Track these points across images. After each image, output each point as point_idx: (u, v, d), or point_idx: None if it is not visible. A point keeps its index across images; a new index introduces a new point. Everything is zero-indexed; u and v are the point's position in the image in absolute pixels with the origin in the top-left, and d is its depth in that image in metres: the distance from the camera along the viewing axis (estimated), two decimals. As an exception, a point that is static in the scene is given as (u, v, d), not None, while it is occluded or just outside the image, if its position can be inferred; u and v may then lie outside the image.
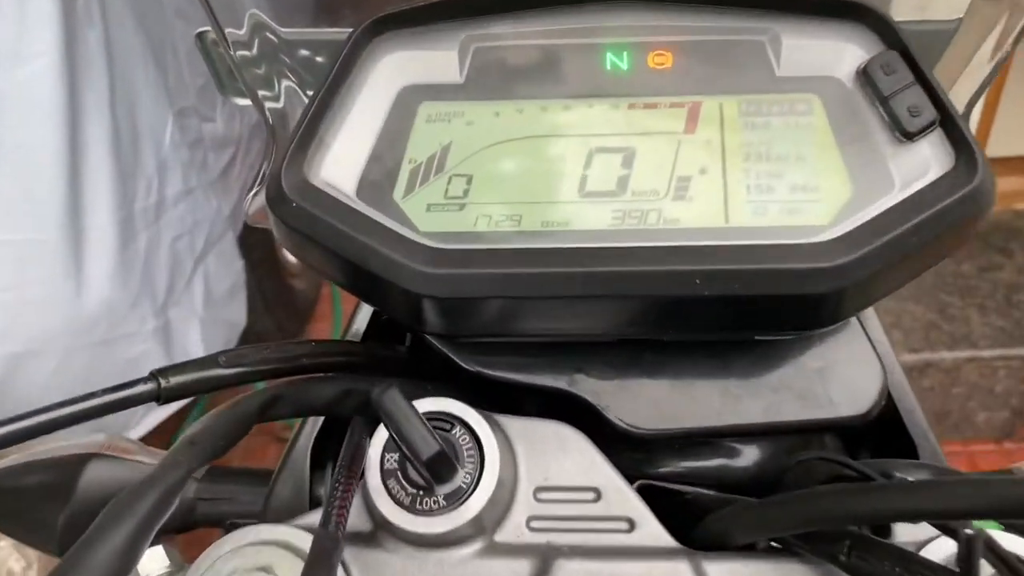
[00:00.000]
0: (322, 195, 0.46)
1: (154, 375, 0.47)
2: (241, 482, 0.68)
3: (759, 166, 0.48)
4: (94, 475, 0.68)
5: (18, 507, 0.66)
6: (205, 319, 1.84)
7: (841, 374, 0.52)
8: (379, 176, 0.48)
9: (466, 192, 0.48)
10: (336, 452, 0.58)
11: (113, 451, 0.66)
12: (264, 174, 0.58)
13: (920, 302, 2.24)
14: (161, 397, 0.47)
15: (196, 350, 1.78)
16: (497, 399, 0.56)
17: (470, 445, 0.48)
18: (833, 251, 0.44)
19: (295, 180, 0.46)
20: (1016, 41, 0.52)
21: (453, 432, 0.48)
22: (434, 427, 0.45)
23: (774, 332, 0.49)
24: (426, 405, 0.49)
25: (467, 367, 0.54)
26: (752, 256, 0.44)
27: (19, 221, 1.52)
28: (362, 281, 0.46)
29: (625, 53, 0.51)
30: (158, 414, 1.81)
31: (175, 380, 0.47)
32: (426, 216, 0.48)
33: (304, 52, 0.59)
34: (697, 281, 0.44)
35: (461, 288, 0.44)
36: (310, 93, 0.59)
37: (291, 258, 2.06)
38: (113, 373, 1.69)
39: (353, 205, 0.47)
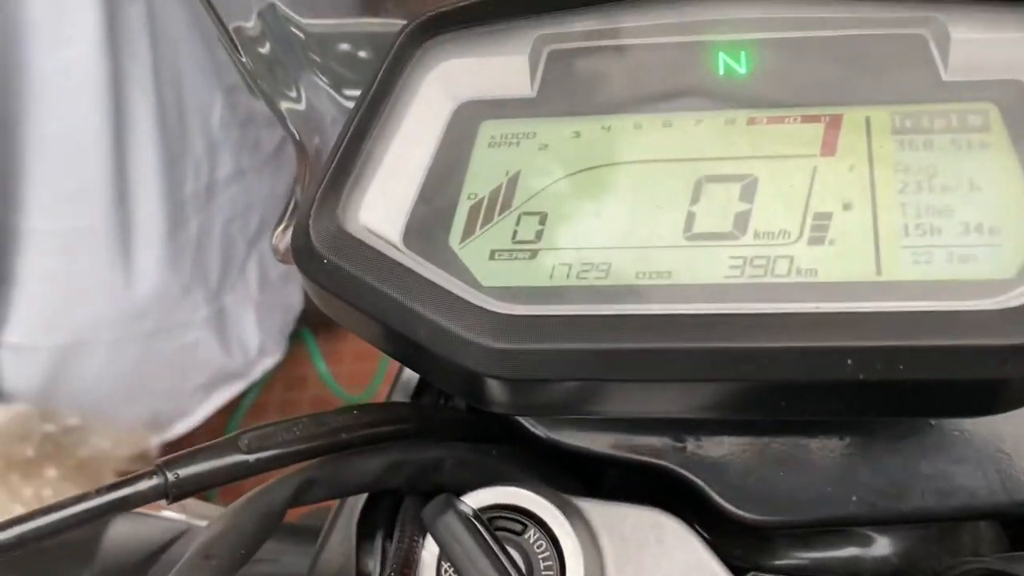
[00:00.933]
0: (361, 247, 0.37)
1: (160, 468, 0.38)
2: (286, 540, 0.60)
3: (920, 199, 0.37)
4: (118, 533, 0.61)
5: (41, 567, 0.60)
6: (260, 303, 1.78)
7: (1016, 449, 0.41)
8: (431, 217, 0.39)
9: (539, 235, 0.38)
10: (388, 519, 0.49)
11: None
12: (293, 204, 0.48)
13: None
14: (170, 495, 0.38)
15: (252, 336, 1.73)
16: (575, 471, 0.47)
17: (546, 552, 0.39)
18: (1012, 319, 0.33)
19: (327, 229, 0.37)
20: None
21: (525, 536, 0.39)
22: (501, 527, 0.39)
23: (938, 416, 0.38)
24: (490, 497, 0.41)
25: (540, 435, 0.44)
26: (916, 327, 0.34)
27: (65, 210, 1.47)
28: (413, 355, 0.37)
29: (743, 53, 0.40)
30: (213, 403, 1.76)
31: (186, 473, 0.38)
32: (489, 266, 0.38)
33: (340, 46, 0.49)
34: (848, 363, 0.33)
35: (534, 369, 0.35)
36: (348, 96, 0.49)
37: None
38: (166, 364, 1.65)
39: (399, 257, 0.37)
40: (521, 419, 0.44)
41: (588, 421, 0.44)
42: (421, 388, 0.54)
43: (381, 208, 0.39)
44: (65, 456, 1.51)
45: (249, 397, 1.97)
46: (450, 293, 0.37)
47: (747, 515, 0.43)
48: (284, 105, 0.46)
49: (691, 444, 0.45)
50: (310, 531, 0.57)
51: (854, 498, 0.43)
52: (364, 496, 0.49)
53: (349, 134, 0.39)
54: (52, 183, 1.47)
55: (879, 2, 0.39)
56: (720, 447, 0.44)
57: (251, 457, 0.40)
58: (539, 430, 0.46)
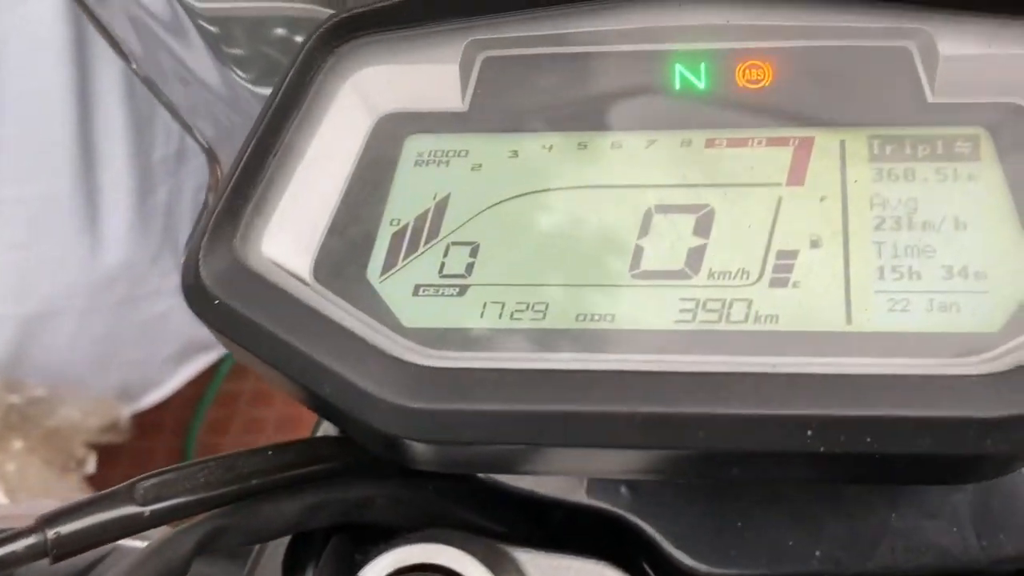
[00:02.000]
0: (260, 284, 0.32)
1: (41, 524, 0.33)
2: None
3: (898, 238, 0.34)
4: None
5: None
6: (233, 272, 1.72)
7: (995, 503, 0.38)
8: (347, 247, 0.34)
9: (470, 268, 0.34)
10: (319, 555, 0.45)
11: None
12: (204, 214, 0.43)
13: None
14: (51, 554, 0.33)
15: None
16: (519, 509, 0.43)
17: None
18: (1011, 389, 0.29)
19: (221, 263, 0.32)
20: None
21: (450, 597, 0.35)
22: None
23: (908, 484, 0.34)
24: (412, 555, 0.38)
25: (481, 477, 0.41)
26: (888, 393, 0.30)
27: (29, 175, 1.42)
28: (323, 409, 0.33)
29: (703, 65, 0.35)
30: (185, 373, 1.72)
31: (69, 530, 0.34)
32: (413, 304, 0.34)
33: (257, 32, 0.44)
34: (809, 434, 0.29)
35: (459, 432, 0.31)
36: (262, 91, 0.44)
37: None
38: (137, 333, 1.61)
39: (306, 296, 0.33)
40: None
41: None
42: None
43: (288, 237, 0.34)
44: (32, 427, 1.48)
45: (226, 364, 1.93)
46: (363, 341, 0.32)
47: (700, 567, 0.39)
48: (185, 104, 0.41)
49: (642, 490, 0.41)
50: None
51: (818, 553, 0.40)
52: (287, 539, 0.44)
53: (250, 150, 0.34)
54: (15, 148, 1.41)
55: (858, 10, 0.34)
56: (673, 494, 0.40)
57: (146, 509, 0.36)
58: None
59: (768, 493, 0.41)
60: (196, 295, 0.33)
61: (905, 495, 0.39)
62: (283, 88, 0.34)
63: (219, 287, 0.33)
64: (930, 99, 0.35)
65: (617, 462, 0.33)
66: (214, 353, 1.76)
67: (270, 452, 0.40)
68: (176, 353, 1.69)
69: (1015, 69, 0.34)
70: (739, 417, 0.30)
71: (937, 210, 0.34)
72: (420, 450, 0.33)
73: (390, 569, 0.36)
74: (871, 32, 0.35)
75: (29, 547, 0.34)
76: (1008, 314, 0.32)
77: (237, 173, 0.34)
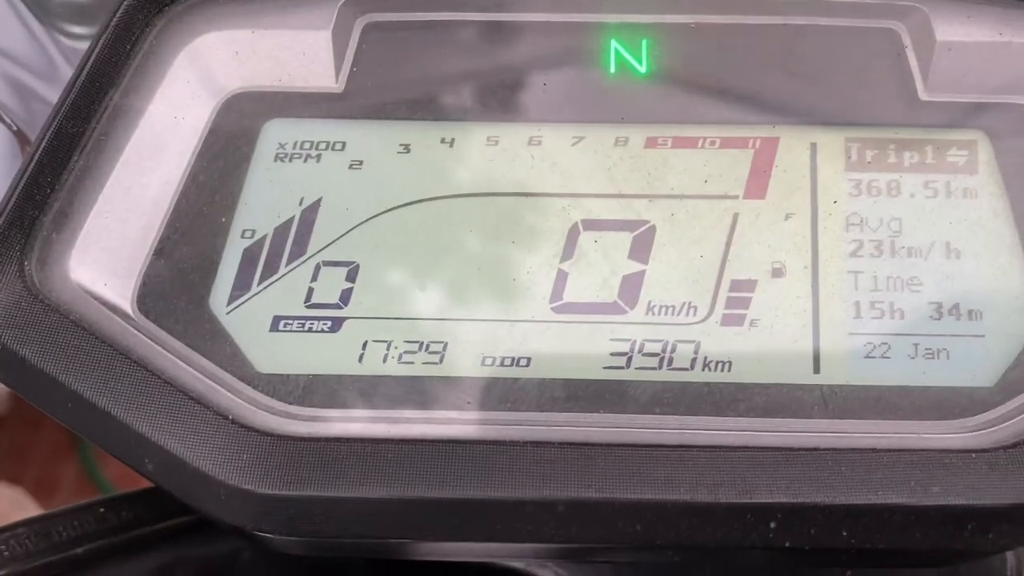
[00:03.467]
0: (60, 321, 0.24)
1: None
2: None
3: (878, 267, 0.27)
4: None
5: None
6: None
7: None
8: (182, 268, 0.26)
9: (347, 296, 0.26)
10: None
11: None
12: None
13: None
14: None
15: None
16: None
17: None
18: (1012, 470, 0.23)
19: (9, 292, 0.24)
20: None
21: None
22: None
23: (885, 569, 0.29)
24: None
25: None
26: (868, 473, 0.24)
27: None
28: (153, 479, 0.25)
29: (644, 42, 0.28)
30: None
31: None
32: (270, 343, 0.26)
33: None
34: (772, 526, 0.23)
35: (323, 527, 0.24)
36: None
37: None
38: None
39: (125, 335, 0.25)
40: None
41: None
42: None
43: (102, 256, 0.26)
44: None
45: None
46: (200, 397, 0.25)
47: None
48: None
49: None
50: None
51: None
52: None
53: (48, 140, 0.25)
54: None
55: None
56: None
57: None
58: None
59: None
60: None
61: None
62: (93, 58, 0.26)
63: (3, 325, 0.24)
64: (922, 95, 0.28)
65: (524, 552, 0.27)
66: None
67: (101, 509, 0.33)
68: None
69: (927, 61, 0.28)
70: (684, 506, 0.24)
71: (925, 233, 0.28)
72: (278, 542, 0.25)
73: None
74: (854, 9, 0.28)
75: None
76: (1006, 363, 0.26)
77: (30, 170, 0.25)
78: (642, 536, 0.24)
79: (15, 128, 0.33)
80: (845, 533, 0.24)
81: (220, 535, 0.35)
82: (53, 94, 0.34)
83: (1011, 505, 0.24)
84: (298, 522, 0.24)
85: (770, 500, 0.24)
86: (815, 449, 0.25)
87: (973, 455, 0.25)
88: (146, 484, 0.34)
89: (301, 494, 0.24)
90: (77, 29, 0.37)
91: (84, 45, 0.36)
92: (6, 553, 0.30)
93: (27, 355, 0.24)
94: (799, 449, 0.25)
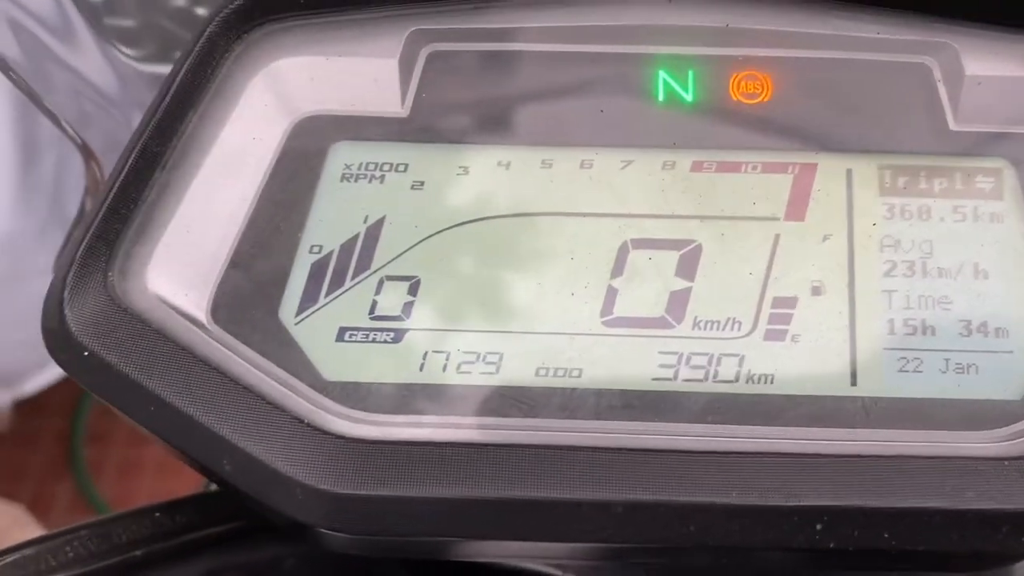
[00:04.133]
0: (144, 329, 0.25)
1: None
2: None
3: (911, 286, 0.29)
4: None
5: None
6: (125, 247, 1.61)
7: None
8: (254, 281, 0.28)
9: (408, 309, 0.28)
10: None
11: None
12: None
13: None
14: None
15: (115, 285, 1.56)
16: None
17: None
18: None
19: (94, 302, 0.25)
20: None
21: None
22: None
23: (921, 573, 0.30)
24: None
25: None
26: (909, 480, 0.25)
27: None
28: (222, 485, 0.26)
29: (691, 74, 0.29)
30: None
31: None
32: (336, 352, 0.28)
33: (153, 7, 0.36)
34: (818, 528, 0.24)
35: (391, 524, 0.25)
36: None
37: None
38: (19, 313, 1.47)
39: (201, 343, 0.26)
40: None
41: None
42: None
43: (179, 269, 0.28)
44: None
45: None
46: (272, 404, 0.26)
47: None
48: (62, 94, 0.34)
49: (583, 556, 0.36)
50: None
51: None
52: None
53: (132, 158, 0.27)
54: None
55: (874, 19, 0.29)
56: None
57: (-4, 597, 0.30)
58: None
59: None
60: (59, 343, 0.26)
61: None
62: (177, 81, 0.28)
63: (89, 333, 0.26)
64: (952, 125, 0.30)
65: (577, 553, 0.28)
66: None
67: (157, 514, 0.34)
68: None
69: (956, 94, 0.30)
70: (738, 509, 0.25)
71: (955, 255, 0.29)
72: (343, 541, 0.27)
73: None
74: (888, 44, 0.30)
75: None
76: (1030, 381, 0.28)
77: (116, 187, 0.27)
78: (695, 537, 0.26)
79: (80, 142, 0.35)
80: (886, 535, 0.25)
81: (265, 541, 0.37)
82: (116, 111, 0.36)
83: None
84: (370, 521, 0.26)
85: (816, 503, 0.25)
86: (857, 456, 0.26)
87: (1005, 463, 0.26)
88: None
89: (374, 494, 0.25)
90: (128, 50, 0.39)
91: (139, 64, 0.38)
92: (71, 554, 0.32)
93: (112, 361, 0.26)
94: (842, 456, 0.26)
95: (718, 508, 0.26)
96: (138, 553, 0.33)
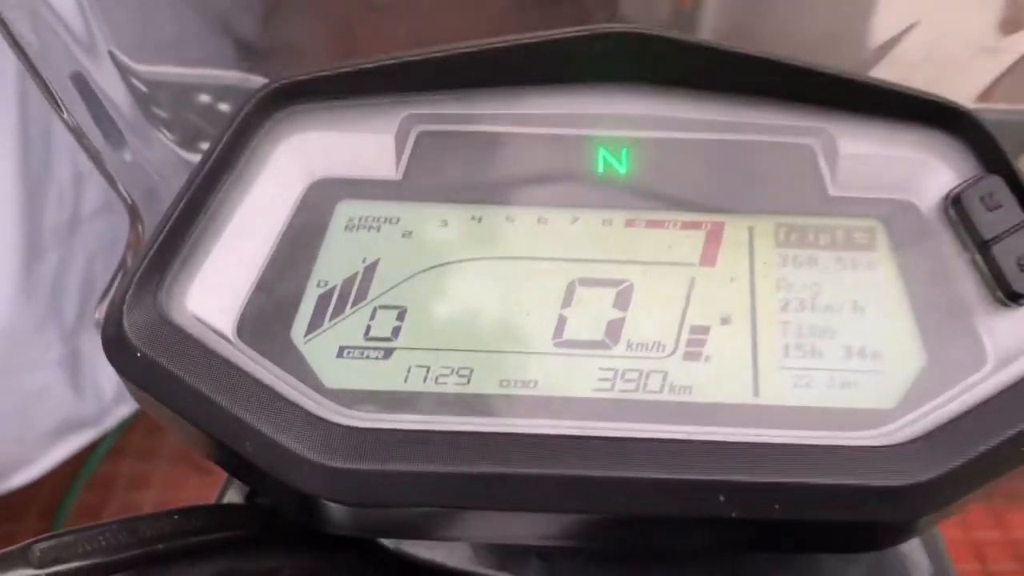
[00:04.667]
0: (184, 339, 0.33)
1: None
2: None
3: (802, 318, 0.36)
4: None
5: None
6: (120, 347, 1.65)
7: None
8: (272, 306, 0.35)
9: (396, 332, 0.35)
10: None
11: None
12: (119, 274, 0.43)
13: None
14: None
15: (107, 381, 1.61)
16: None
17: None
18: (906, 460, 0.32)
19: (145, 316, 0.32)
20: None
21: None
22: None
23: (809, 553, 0.36)
24: None
25: (390, 548, 0.40)
26: (794, 461, 0.32)
27: (-93, 235, 1.34)
28: (240, 468, 0.33)
29: (624, 151, 0.38)
30: (59, 452, 1.63)
31: (-45, 593, 0.33)
32: (337, 365, 0.34)
33: (189, 98, 0.45)
34: (721, 499, 0.30)
35: (380, 495, 0.31)
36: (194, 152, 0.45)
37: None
38: (11, 407, 1.51)
39: (229, 353, 0.33)
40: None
41: None
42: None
43: (213, 294, 0.35)
44: None
45: (106, 443, 1.84)
46: (285, 399, 0.33)
47: None
48: (117, 162, 0.41)
49: (556, 565, 0.41)
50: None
51: None
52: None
53: (181, 206, 0.34)
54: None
55: (768, 108, 0.38)
56: (586, 570, 0.41)
57: (42, 572, 0.35)
58: (388, 542, 0.42)
59: (675, 568, 0.42)
60: (117, 347, 0.33)
61: (803, 569, 0.41)
62: (218, 149, 0.35)
63: (141, 339, 0.33)
64: (831, 192, 0.38)
65: (535, 527, 0.34)
66: (91, 432, 1.68)
67: (176, 516, 0.40)
68: (52, 430, 1.60)
69: (908, 169, 0.38)
70: (656, 482, 0.32)
71: (838, 294, 0.37)
72: (339, 513, 0.33)
73: None
74: (779, 129, 0.38)
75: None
76: (902, 392, 0.35)
77: (166, 229, 0.34)
78: (626, 507, 0.32)
79: (131, 202, 0.42)
80: (777, 506, 0.32)
81: (267, 549, 0.42)
82: (158, 178, 0.44)
83: (904, 485, 0.32)
84: (361, 491, 0.32)
85: (722, 478, 0.32)
86: (755, 443, 0.33)
87: (874, 449, 0.33)
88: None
89: (364, 468, 0.32)
90: (169, 135, 0.47)
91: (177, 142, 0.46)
92: (103, 543, 0.37)
93: (159, 361, 0.33)
94: (743, 443, 0.33)
95: (645, 482, 0.32)
96: (159, 547, 0.39)
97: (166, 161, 0.44)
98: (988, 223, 0.35)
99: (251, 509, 0.45)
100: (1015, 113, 0.43)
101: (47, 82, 0.39)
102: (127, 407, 1.71)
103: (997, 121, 0.35)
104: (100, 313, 0.42)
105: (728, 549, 0.39)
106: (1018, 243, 0.34)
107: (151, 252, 0.34)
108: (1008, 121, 0.40)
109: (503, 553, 0.42)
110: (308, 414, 0.33)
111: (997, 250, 0.34)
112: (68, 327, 1.56)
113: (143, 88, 0.42)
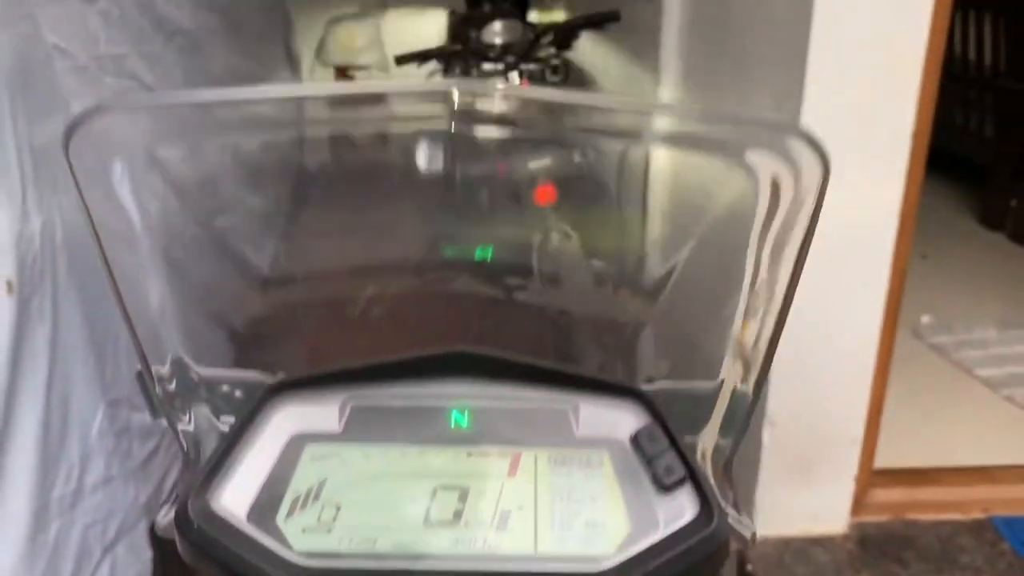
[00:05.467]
0: (218, 519, 0.61)
1: None
2: None
3: (563, 505, 0.65)
4: None
5: None
6: (109, 615, 1.82)
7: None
8: (267, 503, 0.64)
9: (335, 518, 0.63)
10: None
11: None
12: (174, 494, 0.72)
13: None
14: None
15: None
16: None
17: None
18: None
19: (199, 506, 0.61)
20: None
21: None
22: None
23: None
24: None
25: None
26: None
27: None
28: None
29: (466, 413, 0.69)
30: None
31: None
32: (301, 537, 0.63)
33: (222, 388, 0.76)
34: None
35: None
36: (224, 422, 0.75)
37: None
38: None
39: (242, 527, 0.61)
40: None
41: None
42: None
43: (235, 495, 0.64)
44: None
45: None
46: (272, 553, 0.61)
47: None
48: (180, 427, 0.72)
49: None
50: None
51: None
52: None
53: (222, 448, 0.64)
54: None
55: (542, 390, 0.70)
56: None
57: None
58: None
59: None
60: (184, 522, 0.61)
61: None
62: (243, 419, 0.66)
63: (197, 518, 0.61)
64: (578, 435, 0.69)
65: None
66: None
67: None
68: None
69: (615, 422, 0.70)
70: None
71: (583, 492, 0.66)
72: None
73: None
74: (550, 400, 0.70)
75: None
76: (616, 544, 0.63)
77: (215, 460, 0.64)
78: None
79: (185, 448, 0.72)
80: None
81: None
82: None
83: None
84: None
85: None
86: (532, 572, 0.61)
87: (600, 571, 0.61)
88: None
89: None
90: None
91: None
92: None
93: (206, 529, 0.61)
94: (524, 572, 0.61)
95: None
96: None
97: (202, 425, 0.75)
98: (650, 448, 0.66)
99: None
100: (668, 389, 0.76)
101: (152, 373, 0.71)
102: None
103: (660, 391, 0.67)
104: (160, 517, 0.71)
105: None
106: (665, 459, 0.65)
107: (205, 473, 0.63)
108: (664, 391, 0.72)
109: None
110: (285, 562, 0.61)
111: (656, 463, 0.65)
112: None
113: (196, 379, 0.75)
